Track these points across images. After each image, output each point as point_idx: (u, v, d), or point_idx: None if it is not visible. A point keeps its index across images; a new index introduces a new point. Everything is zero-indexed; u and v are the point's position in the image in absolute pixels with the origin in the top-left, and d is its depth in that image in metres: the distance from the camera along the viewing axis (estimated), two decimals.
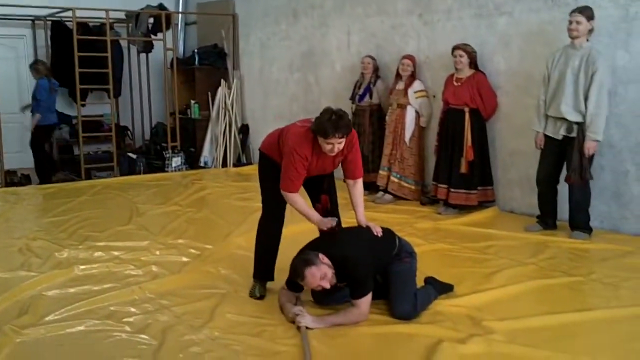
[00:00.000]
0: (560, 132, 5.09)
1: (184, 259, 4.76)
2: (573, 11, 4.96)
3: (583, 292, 4.04)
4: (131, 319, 3.56)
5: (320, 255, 3.38)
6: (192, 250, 4.95)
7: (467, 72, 5.99)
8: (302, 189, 3.79)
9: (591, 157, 4.97)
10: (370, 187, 6.84)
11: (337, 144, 3.52)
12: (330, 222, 3.67)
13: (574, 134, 4.98)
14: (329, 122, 3.48)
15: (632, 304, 3.76)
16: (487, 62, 6.13)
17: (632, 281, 4.12)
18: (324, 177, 3.88)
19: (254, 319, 3.57)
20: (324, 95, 8.33)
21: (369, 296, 3.42)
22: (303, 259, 3.38)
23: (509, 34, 5.98)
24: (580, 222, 5.13)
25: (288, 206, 3.83)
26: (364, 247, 3.52)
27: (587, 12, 4.91)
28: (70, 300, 3.84)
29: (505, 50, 6.03)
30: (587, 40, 4.96)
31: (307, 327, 3.31)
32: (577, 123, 4.96)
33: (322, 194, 3.89)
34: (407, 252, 3.68)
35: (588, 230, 5.12)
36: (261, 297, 3.87)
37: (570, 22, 4.93)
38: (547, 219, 5.38)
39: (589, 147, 4.90)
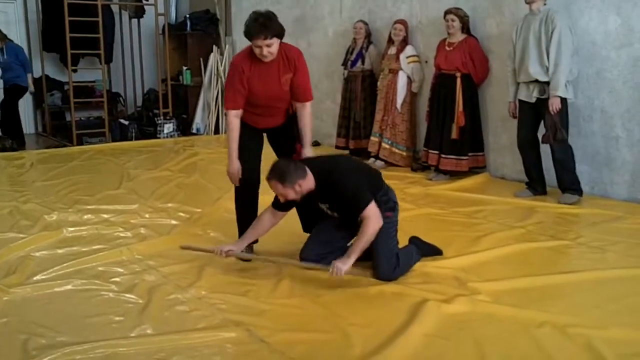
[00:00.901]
0: (533, 95, 5.15)
1: (173, 222, 4.76)
2: None
3: (569, 255, 4.07)
4: (118, 279, 3.58)
5: (302, 171, 3.34)
6: (182, 214, 4.96)
7: (459, 36, 5.94)
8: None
9: (563, 116, 4.99)
10: (362, 154, 6.83)
11: (265, 47, 3.50)
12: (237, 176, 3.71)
13: (546, 95, 5.02)
14: (255, 22, 3.49)
15: (617, 266, 3.78)
16: (479, 26, 6.09)
17: (620, 245, 4.14)
18: (293, 139, 3.89)
19: (240, 279, 3.58)
20: (315, 61, 8.25)
21: (372, 203, 3.32)
22: (281, 168, 3.35)
23: None
24: (568, 183, 5.13)
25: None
26: (349, 163, 3.61)
27: None
28: (59, 260, 3.84)
29: (497, 14, 5.98)
30: (545, 4, 5.06)
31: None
32: (547, 83, 5.00)
33: (296, 143, 3.85)
34: (393, 202, 3.59)
35: (578, 192, 5.13)
36: (247, 260, 3.86)
37: None
38: (535, 185, 5.40)
39: (553, 103, 4.93)
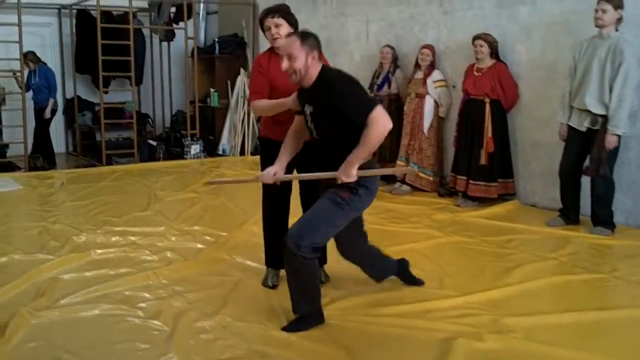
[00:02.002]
0: (584, 124, 4.97)
1: (199, 245, 4.75)
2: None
3: (605, 290, 3.92)
4: (145, 305, 3.56)
5: (320, 51, 3.20)
6: (208, 237, 4.95)
7: (487, 62, 5.89)
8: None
9: (613, 152, 4.84)
10: (388, 178, 6.78)
11: (273, 27, 3.54)
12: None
13: (597, 127, 4.86)
14: (265, 8, 3.62)
15: None
16: (508, 52, 6.03)
17: None
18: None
19: (266, 306, 3.55)
20: None
21: (379, 107, 3.01)
22: (307, 31, 3.26)
23: (531, 24, 5.87)
24: (602, 218, 5.00)
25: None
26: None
27: (614, 1, 4.75)
28: (86, 284, 3.85)
29: (527, 40, 5.92)
30: (616, 30, 4.81)
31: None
32: (601, 116, 4.83)
33: None
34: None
35: (610, 226, 5.00)
36: (274, 287, 3.82)
37: (596, 11, 4.78)
38: (569, 213, 5.27)
39: (610, 141, 4.76)
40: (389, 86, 6.94)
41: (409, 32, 7.12)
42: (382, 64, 7.05)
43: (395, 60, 7.00)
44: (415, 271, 3.87)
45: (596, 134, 4.86)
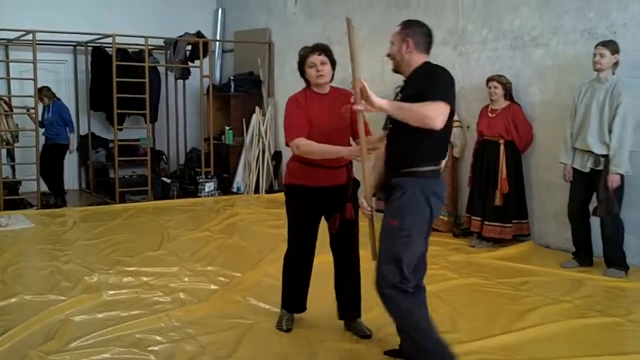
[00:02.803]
0: (587, 165, 5.03)
1: (212, 286, 4.73)
2: (597, 44, 4.95)
3: (622, 334, 3.87)
4: (156, 348, 3.54)
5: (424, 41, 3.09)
6: (221, 278, 4.93)
7: (502, 103, 5.91)
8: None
9: (618, 191, 4.87)
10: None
11: (319, 64, 3.50)
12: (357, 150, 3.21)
13: (601, 167, 4.90)
14: (306, 47, 3.59)
15: None
16: (522, 93, 6.05)
17: None
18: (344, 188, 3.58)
19: (279, 351, 3.51)
20: None
21: (443, 104, 2.81)
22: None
23: (544, 66, 5.90)
24: (614, 258, 4.98)
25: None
26: None
27: (611, 46, 4.88)
28: (97, 326, 3.83)
29: (540, 82, 5.94)
30: (613, 73, 4.94)
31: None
32: (603, 156, 4.90)
33: (346, 201, 3.55)
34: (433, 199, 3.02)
35: (624, 267, 4.97)
36: (288, 330, 3.78)
37: (595, 55, 4.92)
38: (582, 255, 5.24)
39: (613, 180, 4.82)
40: None
41: None
42: None
43: None
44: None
45: (599, 175, 4.91)
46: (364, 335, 3.65)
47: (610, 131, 4.84)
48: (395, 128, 3.02)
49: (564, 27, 5.72)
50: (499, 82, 5.89)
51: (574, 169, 5.16)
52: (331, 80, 3.62)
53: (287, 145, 3.54)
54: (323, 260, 3.95)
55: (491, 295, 4.56)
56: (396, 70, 3.12)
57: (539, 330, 3.83)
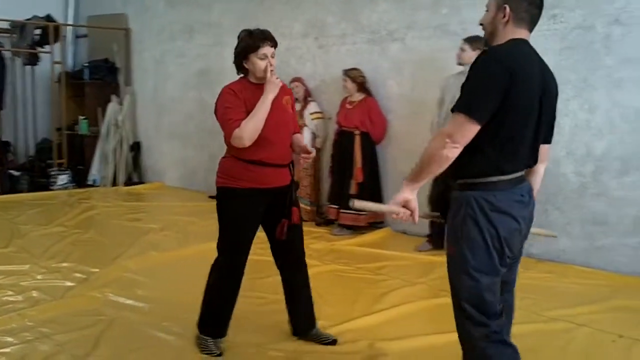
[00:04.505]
0: None
1: (68, 283, 4.51)
2: (464, 39, 5.22)
3: None
4: (8, 350, 3.32)
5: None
6: (77, 274, 4.70)
7: (357, 96, 6.14)
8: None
9: None
10: None
11: (270, 56, 3.10)
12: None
13: None
14: (253, 34, 3.13)
15: (518, 322, 3.90)
16: (380, 87, 6.30)
17: (522, 301, 4.26)
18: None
19: (142, 345, 3.42)
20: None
21: (462, 117, 2.22)
22: None
23: (401, 60, 6.18)
24: None
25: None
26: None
27: (474, 43, 5.17)
28: None
29: (397, 75, 6.23)
30: None
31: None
32: None
33: (292, 205, 3.27)
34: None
35: None
36: (221, 354, 3.29)
37: (459, 49, 5.21)
38: (436, 238, 5.58)
39: None
40: None
41: (287, 65, 7.23)
42: None
43: None
44: None
45: None
46: (330, 341, 3.47)
47: None
48: None
49: (418, 22, 6.02)
50: (347, 76, 6.10)
51: None
52: None
53: (227, 142, 3.13)
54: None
55: (352, 280, 4.73)
56: (488, 43, 2.41)
57: (397, 311, 4.03)
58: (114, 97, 9.40)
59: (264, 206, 3.24)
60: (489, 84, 2.19)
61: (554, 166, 4.90)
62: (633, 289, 4.54)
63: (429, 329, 3.75)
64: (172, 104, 9.04)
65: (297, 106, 6.68)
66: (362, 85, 6.15)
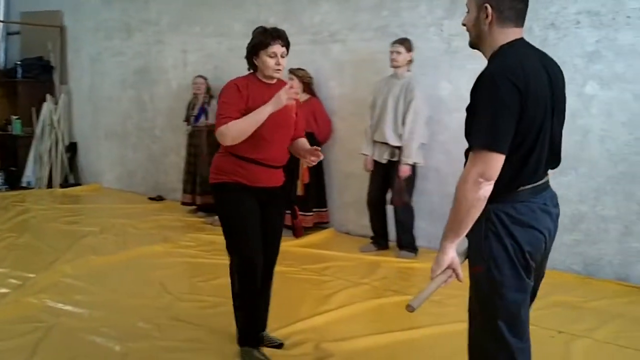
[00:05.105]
0: (384, 157, 5.39)
1: (3, 289, 4.33)
2: (394, 42, 5.31)
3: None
4: None
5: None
6: (13, 280, 4.53)
7: (302, 96, 6.12)
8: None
9: (410, 180, 5.30)
10: (210, 210, 6.72)
11: (280, 57, 3.09)
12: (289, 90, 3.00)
13: (396, 158, 5.30)
14: (266, 31, 3.11)
15: (456, 320, 3.97)
16: (322, 87, 6.32)
17: (457, 299, 4.29)
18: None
19: (82, 352, 3.33)
20: (159, 114, 8.12)
21: (484, 152, 2.00)
22: None
23: (342, 61, 6.22)
24: (405, 242, 5.45)
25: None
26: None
27: (406, 44, 5.29)
28: None
29: (339, 76, 6.26)
30: (408, 70, 5.35)
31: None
32: (398, 148, 5.28)
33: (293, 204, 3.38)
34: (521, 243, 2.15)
35: (413, 250, 5.46)
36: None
37: (392, 53, 5.28)
38: (379, 240, 5.64)
39: (402, 170, 5.23)
40: (207, 117, 6.92)
41: (228, 64, 7.17)
42: (196, 94, 7.03)
43: (209, 90, 7.01)
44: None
45: (394, 165, 5.30)
46: (278, 345, 3.46)
47: (404, 124, 5.22)
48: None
49: (360, 24, 6.07)
50: (295, 74, 6.07)
51: (374, 160, 5.49)
52: None
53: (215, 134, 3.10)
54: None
55: (296, 281, 4.72)
56: (474, 46, 2.22)
57: (341, 312, 4.05)
58: (48, 97, 9.11)
59: (256, 202, 3.21)
60: (502, 110, 1.99)
61: None
62: (571, 286, 4.71)
63: (374, 329, 3.79)
64: (109, 103, 8.82)
65: None
66: (308, 86, 6.14)
